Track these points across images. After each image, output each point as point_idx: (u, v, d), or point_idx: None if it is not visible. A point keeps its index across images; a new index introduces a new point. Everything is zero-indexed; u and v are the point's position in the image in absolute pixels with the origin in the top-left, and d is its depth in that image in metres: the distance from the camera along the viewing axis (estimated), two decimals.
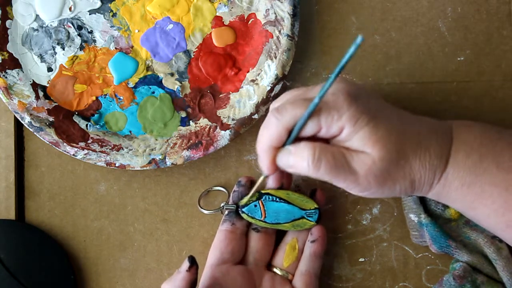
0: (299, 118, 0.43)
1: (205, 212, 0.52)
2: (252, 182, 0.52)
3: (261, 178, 0.48)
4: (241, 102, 0.53)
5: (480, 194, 0.44)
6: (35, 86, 0.53)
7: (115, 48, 0.54)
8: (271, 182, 0.49)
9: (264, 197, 0.50)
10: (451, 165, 0.44)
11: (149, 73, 0.54)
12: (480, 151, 0.44)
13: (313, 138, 0.44)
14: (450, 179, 0.44)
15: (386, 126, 0.43)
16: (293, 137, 0.44)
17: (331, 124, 0.42)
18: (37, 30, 0.54)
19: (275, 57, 0.53)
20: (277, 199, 0.50)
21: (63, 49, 0.54)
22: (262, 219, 0.50)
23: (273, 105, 0.46)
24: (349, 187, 0.44)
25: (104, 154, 0.52)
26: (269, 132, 0.44)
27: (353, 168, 0.42)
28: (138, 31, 0.54)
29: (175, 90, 0.54)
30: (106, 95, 0.54)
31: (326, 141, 0.44)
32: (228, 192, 0.53)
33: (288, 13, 0.52)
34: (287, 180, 0.51)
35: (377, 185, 0.43)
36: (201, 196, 0.54)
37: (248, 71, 0.54)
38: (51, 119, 0.52)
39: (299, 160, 0.43)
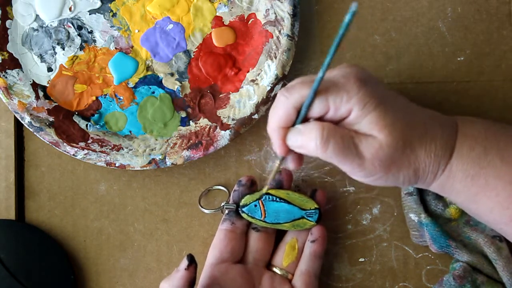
0: (306, 97, 0.42)
1: (206, 211, 0.52)
2: (252, 182, 0.52)
3: (278, 161, 0.46)
4: (241, 102, 0.53)
5: (484, 186, 0.44)
6: (35, 86, 0.53)
7: (115, 48, 0.54)
8: (290, 163, 0.46)
9: (264, 197, 0.50)
10: (456, 156, 0.44)
11: (149, 73, 0.54)
12: (484, 144, 0.44)
13: (321, 121, 0.43)
14: (455, 170, 0.44)
15: (393, 113, 0.43)
16: (302, 115, 0.43)
17: (340, 105, 0.42)
18: (37, 30, 0.54)
19: (275, 57, 0.53)
20: (277, 199, 0.50)
21: (63, 49, 0.54)
22: (262, 219, 0.50)
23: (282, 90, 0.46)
24: (354, 171, 0.43)
25: (104, 154, 0.52)
26: (278, 112, 0.44)
27: (360, 151, 0.42)
28: (138, 31, 0.54)
29: (175, 90, 0.54)
30: (106, 95, 0.54)
31: (335, 124, 0.44)
32: (229, 191, 0.53)
33: (288, 13, 0.52)
34: (287, 180, 0.51)
35: (382, 170, 0.43)
36: (201, 195, 0.54)
37: (248, 71, 0.54)
38: (51, 119, 0.52)
39: (308, 140, 0.42)
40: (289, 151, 0.45)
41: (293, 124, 0.44)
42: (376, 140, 0.42)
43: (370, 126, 0.42)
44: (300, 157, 0.47)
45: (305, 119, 0.43)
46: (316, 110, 0.43)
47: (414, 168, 0.44)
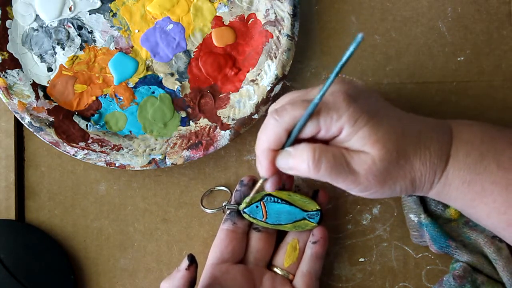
0: (298, 119, 0.42)
1: (208, 211, 0.52)
2: (254, 182, 0.51)
3: (260, 182, 0.47)
4: (241, 102, 0.53)
5: (481, 192, 0.44)
6: (35, 86, 0.53)
7: (115, 48, 0.54)
8: (269, 186, 0.48)
9: (266, 198, 0.50)
10: (452, 163, 0.44)
11: (149, 73, 0.54)
12: (480, 149, 0.44)
13: (312, 140, 0.44)
14: (451, 177, 0.44)
15: (386, 125, 0.42)
16: (292, 138, 0.43)
17: (330, 125, 0.42)
18: (37, 30, 0.54)
19: (275, 57, 0.53)
20: (279, 200, 0.50)
21: (63, 49, 0.54)
22: (263, 220, 0.50)
23: (272, 107, 0.46)
24: (349, 187, 0.44)
25: (104, 154, 0.52)
26: (268, 134, 0.44)
27: (353, 168, 0.42)
28: (138, 31, 0.54)
29: (175, 90, 0.54)
30: (106, 95, 0.54)
31: (325, 143, 0.44)
32: (231, 191, 0.53)
33: (288, 13, 0.52)
34: (289, 181, 0.51)
35: (378, 184, 0.43)
36: (204, 196, 0.54)
37: (248, 71, 0.54)
38: (51, 119, 0.52)
39: (299, 162, 0.43)
40: (274, 172, 0.45)
41: (283, 146, 0.44)
42: (369, 156, 0.42)
43: (362, 141, 0.42)
44: (279, 181, 0.48)
45: (296, 140, 0.43)
46: (308, 132, 0.43)
47: (411, 178, 0.43)
